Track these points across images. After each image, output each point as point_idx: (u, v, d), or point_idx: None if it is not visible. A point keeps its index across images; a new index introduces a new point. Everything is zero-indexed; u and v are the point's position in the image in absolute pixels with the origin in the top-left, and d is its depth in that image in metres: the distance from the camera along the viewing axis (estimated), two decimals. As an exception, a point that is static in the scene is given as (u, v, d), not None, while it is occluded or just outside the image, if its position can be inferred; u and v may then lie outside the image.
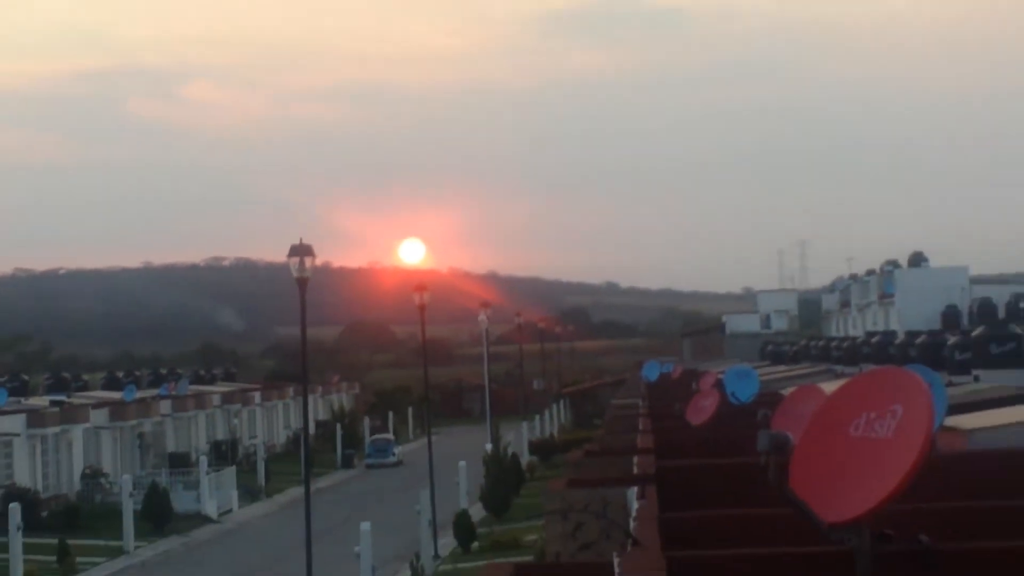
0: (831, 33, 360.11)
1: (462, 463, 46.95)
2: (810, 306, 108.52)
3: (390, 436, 79.39)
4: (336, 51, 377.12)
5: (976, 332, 41.69)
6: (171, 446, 64.50)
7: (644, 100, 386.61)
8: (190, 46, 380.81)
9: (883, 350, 48.81)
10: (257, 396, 79.87)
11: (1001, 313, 53.90)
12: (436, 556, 36.85)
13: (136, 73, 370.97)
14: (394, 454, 73.30)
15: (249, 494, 58.60)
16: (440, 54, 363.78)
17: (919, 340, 46.65)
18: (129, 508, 44.27)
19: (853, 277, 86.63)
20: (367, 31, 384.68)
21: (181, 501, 51.04)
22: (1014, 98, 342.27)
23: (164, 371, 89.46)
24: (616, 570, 6.30)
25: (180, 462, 60.29)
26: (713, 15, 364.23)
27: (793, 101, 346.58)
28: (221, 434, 70.86)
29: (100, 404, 61.51)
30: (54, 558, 39.16)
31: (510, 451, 53.02)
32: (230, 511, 54.16)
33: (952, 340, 42.79)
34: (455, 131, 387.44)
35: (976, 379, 35.28)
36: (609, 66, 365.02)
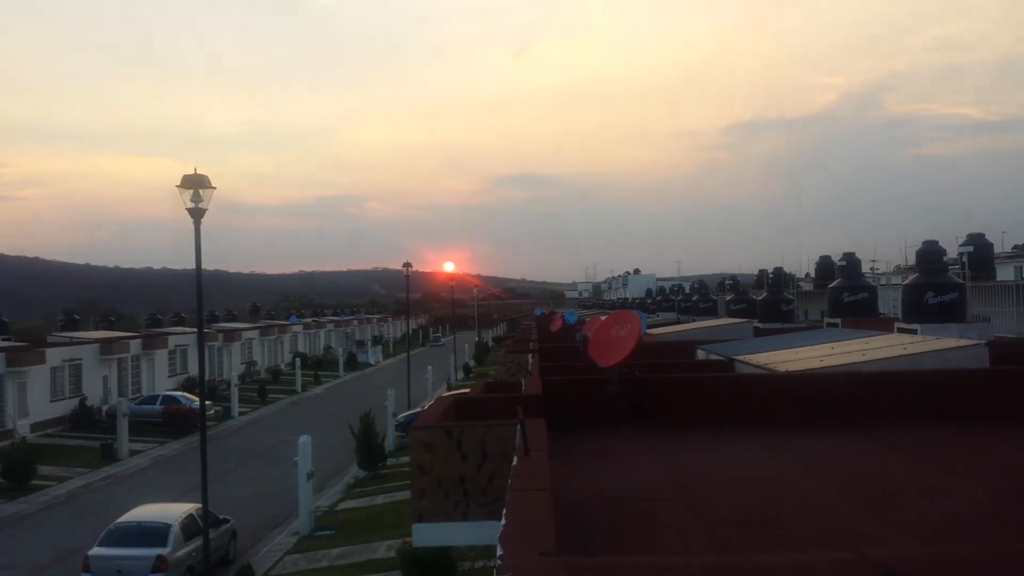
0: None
1: (466, 344, 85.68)
2: (597, 288, 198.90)
3: (440, 336, 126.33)
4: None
5: (658, 299, 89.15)
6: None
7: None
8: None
9: (624, 304, 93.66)
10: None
11: (667, 293, 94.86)
12: (453, 381, 61.54)
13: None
14: (441, 341, 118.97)
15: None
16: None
17: (637, 301, 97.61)
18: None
19: (614, 277, 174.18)
20: None
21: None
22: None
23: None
24: (523, 384, 13.29)
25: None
26: None
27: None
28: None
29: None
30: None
31: (487, 341, 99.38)
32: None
33: (650, 301, 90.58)
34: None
35: (657, 315, 65.22)
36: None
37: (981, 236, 39.55)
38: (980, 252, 38.15)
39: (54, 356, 47.87)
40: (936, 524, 6.99)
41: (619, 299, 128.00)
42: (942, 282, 26.26)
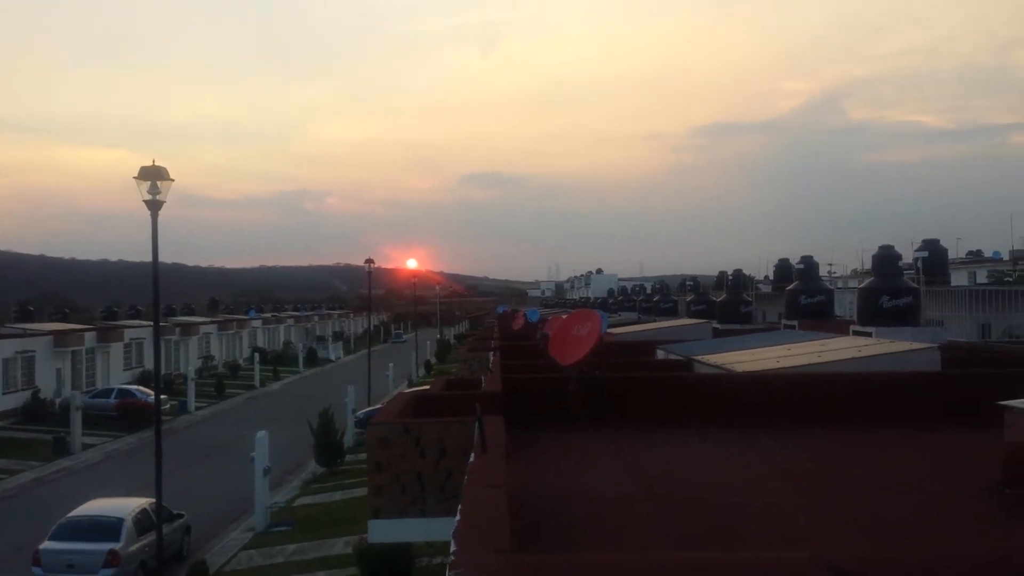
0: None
1: (428, 341, 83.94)
2: (560, 287, 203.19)
3: (403, 333, 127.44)
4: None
5: (619, 299, 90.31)
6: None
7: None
8: None
9: (587, 303, 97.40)
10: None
11: (629, 293, 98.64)
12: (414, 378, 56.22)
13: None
14: (403, 338, 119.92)
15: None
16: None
17: (599, 300, 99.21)
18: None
19: (577, 276, 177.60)
20: None
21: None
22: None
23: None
24: (483, 381, 13.25)
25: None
26: None
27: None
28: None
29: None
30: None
31: (449, 339, 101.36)
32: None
33: (612, 301, 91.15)
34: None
35: (619, 314, 64.18)
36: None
37: (936, 242, 40.12)
38: (935, 257, 38.69)
39: (6, 347, 47.01)
40: (889, 523, 7.07)
41: (582, 298, 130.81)
42: (897, 286, 26.61)
